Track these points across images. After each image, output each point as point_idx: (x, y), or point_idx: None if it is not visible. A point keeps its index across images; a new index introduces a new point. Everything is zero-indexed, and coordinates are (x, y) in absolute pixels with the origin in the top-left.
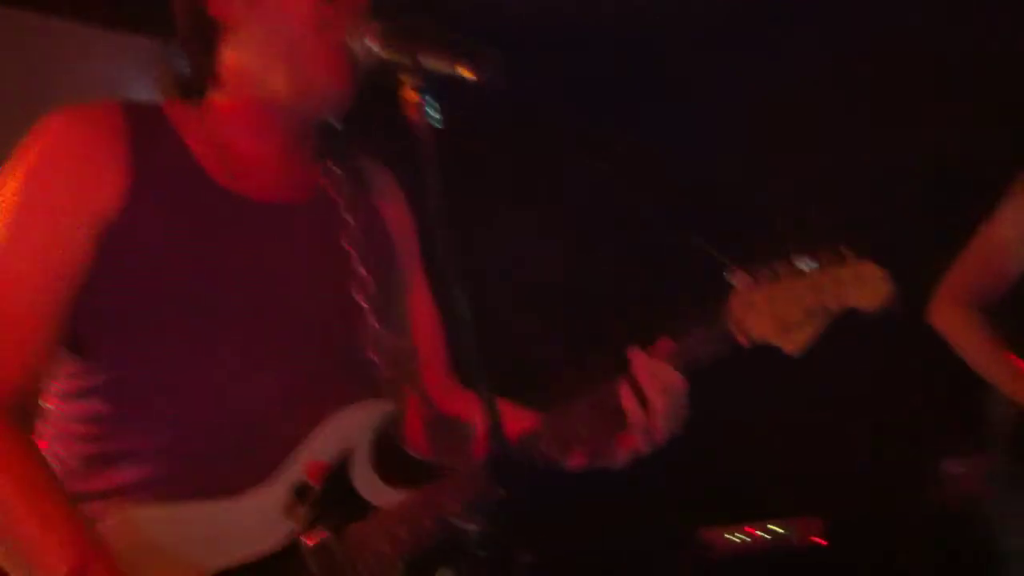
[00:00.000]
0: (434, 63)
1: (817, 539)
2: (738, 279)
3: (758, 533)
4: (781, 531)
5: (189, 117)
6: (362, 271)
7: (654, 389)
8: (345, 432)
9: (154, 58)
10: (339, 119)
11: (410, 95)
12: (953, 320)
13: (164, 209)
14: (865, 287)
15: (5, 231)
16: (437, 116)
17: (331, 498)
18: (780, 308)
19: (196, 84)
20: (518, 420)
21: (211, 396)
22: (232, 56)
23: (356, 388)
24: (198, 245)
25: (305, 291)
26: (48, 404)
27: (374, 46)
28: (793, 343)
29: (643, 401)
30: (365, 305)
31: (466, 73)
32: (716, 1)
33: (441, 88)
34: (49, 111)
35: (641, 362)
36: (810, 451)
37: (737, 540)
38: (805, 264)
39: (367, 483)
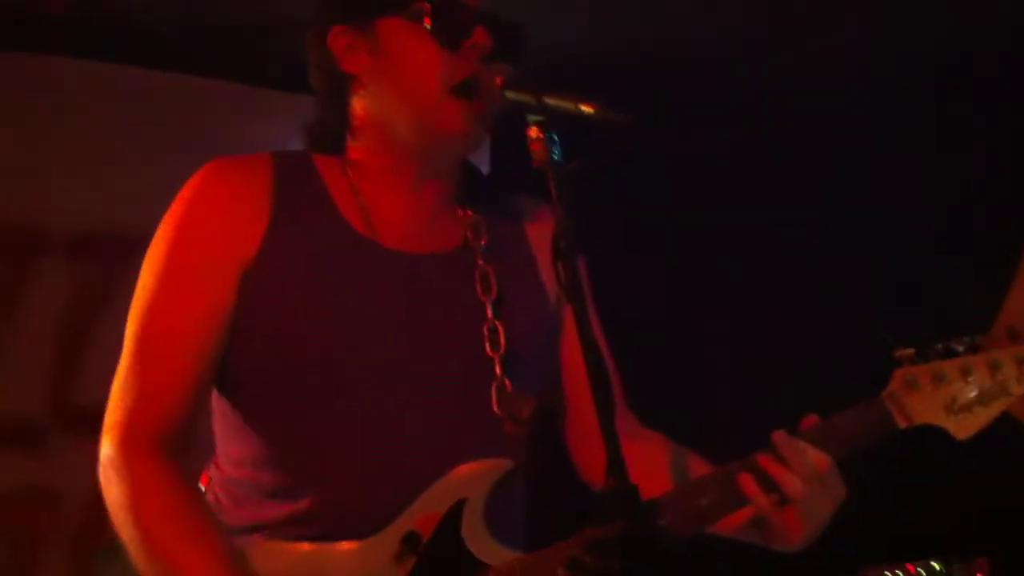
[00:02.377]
0: (559, 102)
1: None
2: (903, 355)
3: (919, 571)
4: (942, 570)
5: (333, 168)
6: (493, 321)
7: (790, 473)
8: (460, 486)
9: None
10: (483, 164)
11: (535, 133)
12: None
13: (299, 254)
14: None
15: (161, 270)
16: (558, 152)
17: (439, 551)
18: (949, 388)
19: (334, 136)
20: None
21: (342, 442)
22: (362, 107)
23: (482, 442)
24: (329, 290)
25: (436, 342)
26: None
27: (501, 87)
28: (963, 428)
29: (770, 486)
30: (492, 354)
31: (590, 111)
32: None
33: (566, 127)
34: None
35: (779, 441)
36: (975, 484)
37: None
38: (983, 342)
39: (477, 539)
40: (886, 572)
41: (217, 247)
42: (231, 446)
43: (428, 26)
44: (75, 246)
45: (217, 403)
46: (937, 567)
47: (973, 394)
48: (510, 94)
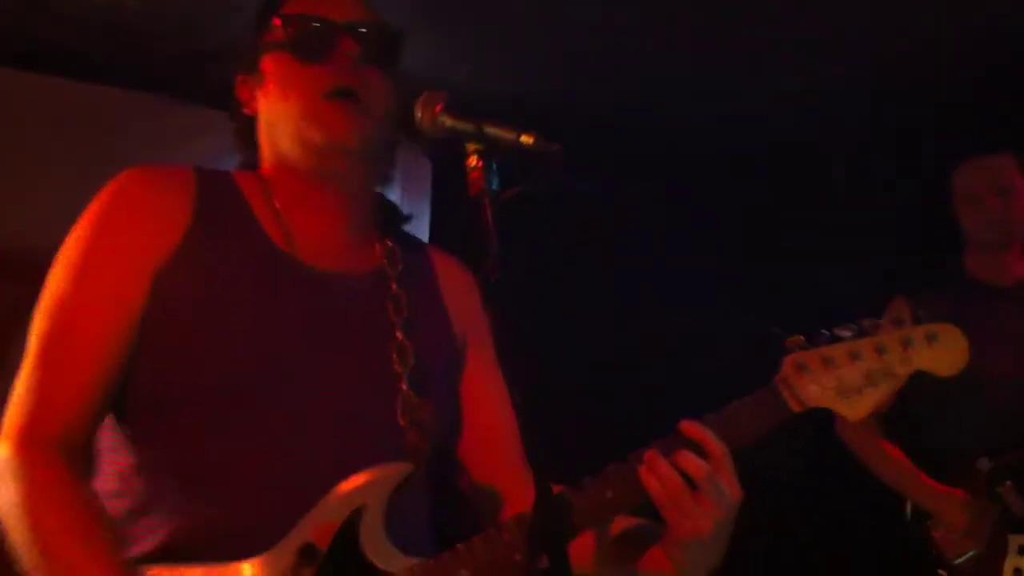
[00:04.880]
0: (498, 131)
1: None
2: (792, 342)
3: None
4: None
5: (253, 185)
6: (402, 340)
7: (694, 456)
8: (358, 494)
9: None
10: (424, 191)
11: (473, 162)
12: (852, 432)
13: (215, 262)
14: (940, 348)
15: (72, 269)
16: (497, 184)
17: (337, 561)
18: (838, 371)
19: (249, 162)
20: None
21: (238, 456)
22: (262, 138)
23: (386, 453)
24: (241, 300)
25: (344, 357)
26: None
27: (441, 114)
28: (853, 410)
29: (661, 477)
30: (399, 370)
31: (528, 141)
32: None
33: (503, 157)
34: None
35: (687, 427)
36: None
37: None
38: (869, 326)
39: (377, 546)
40: None
41: (132, 249)
42: (119, 459)
43: (289, 48)
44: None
45: (110, 419)
46: None
47: (862, 376)
48: (450, 122)
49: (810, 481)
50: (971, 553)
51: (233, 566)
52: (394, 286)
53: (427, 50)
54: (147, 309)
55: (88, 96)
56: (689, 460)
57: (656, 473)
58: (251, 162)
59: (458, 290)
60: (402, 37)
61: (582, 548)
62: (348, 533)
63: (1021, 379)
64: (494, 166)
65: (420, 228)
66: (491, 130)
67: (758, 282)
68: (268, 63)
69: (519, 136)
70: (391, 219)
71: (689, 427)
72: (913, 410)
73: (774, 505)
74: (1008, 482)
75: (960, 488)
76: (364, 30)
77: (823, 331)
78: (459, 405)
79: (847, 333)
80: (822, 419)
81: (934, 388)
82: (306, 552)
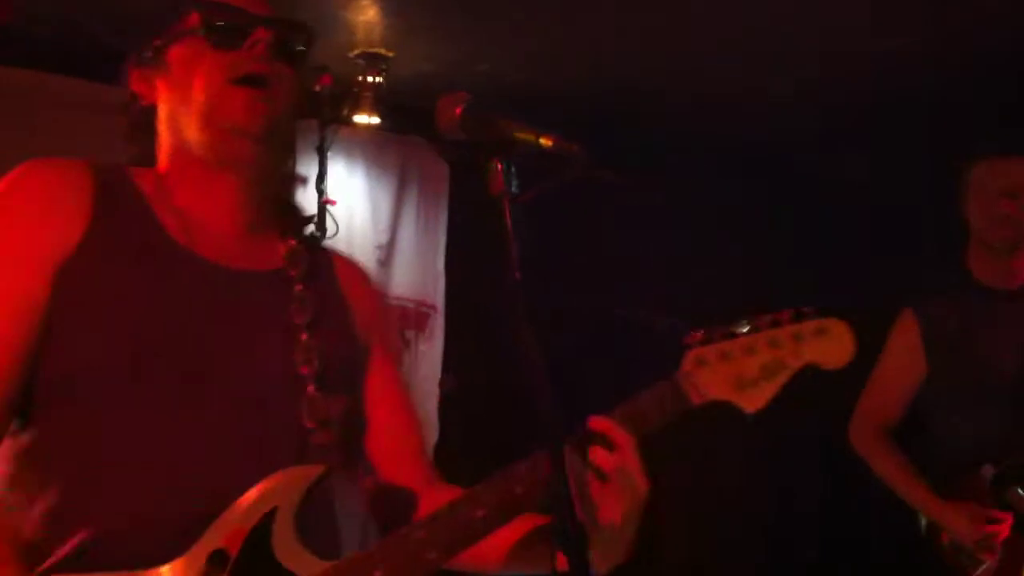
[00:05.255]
0: (519, 134)
1: None
2: (691, 338)
3: None
4: None
5: (150, 180)
6: (307, 340)
7: (602, 450)
8: (268, 497)
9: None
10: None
11: (492, 164)
12: (865, 442)
13: (116, 256)
14: (828, 342)
15: None
16: (515, 183)
17: (249, 566)
18: (735, 365)
19: (145, 157)
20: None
21: (137, 458)
22: (162, 128)
23: (289, 455)
24: (143, 295)
25: (245, 356)
26: None
27: (461, 117)
28: (750, 401)
29: (581, 468)
30: (305, 371)
31: (547, 143)
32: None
33: (523, 159)
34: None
35: (596, 421)
36: None
37: None
38: (764, 322)
39: (288, 550)
40: None
41: (33, 242)
42: (18, 466)
43: (202, 32)
44: None
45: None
46: None
47: (758, 369)
48: (472, 123)
49: (827, 495)
50: (985, 565)
51: (143, 574)
52: (298, 286)
53: (447, 44)
54: (50, 306)
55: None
56: (597, 452)
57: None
58: (146, 155)
59: (359, 294)
60: (314, 35)
61: (490, 547)
62: (259, 537)
63: None
64: (513, 167)
65: (438, 230)
66: (512, 132)
67: (758, 283)
68: (176, 52)
69: (539, 138)
70: (294, 219)
71: (596, 421)
72: (922, 418)
73: (788, 520)
74: (1016, 487)
75: (968, 497)
76: (277, 23)
77: (721, 328)
78: (363, 406)
79: (744, 328)
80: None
81: (942, 395)
82: (217, 558)
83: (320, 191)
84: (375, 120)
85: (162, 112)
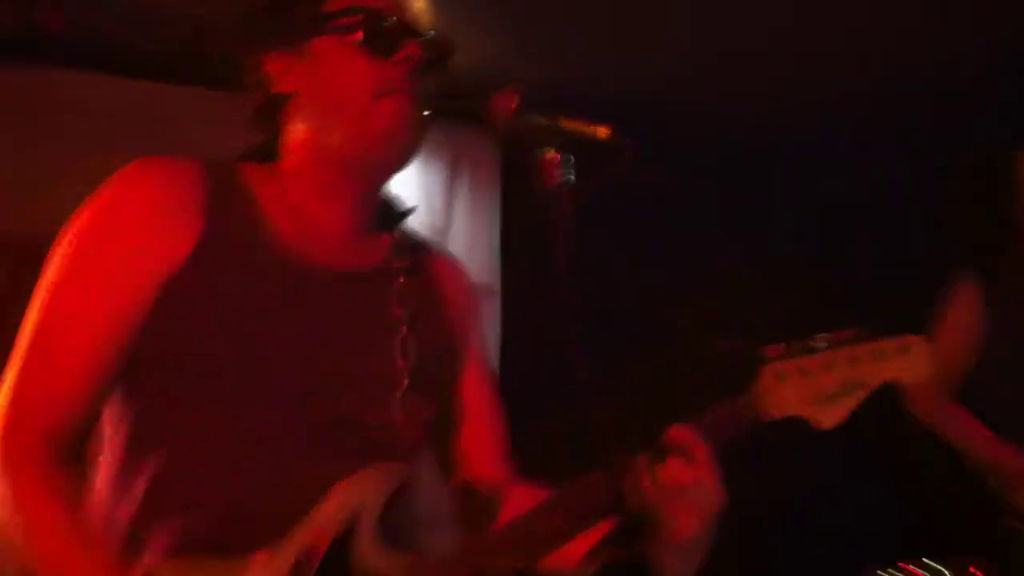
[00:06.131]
0: (573, 125)
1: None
2: (769, 352)
3: (916, 571)
4: (939, 569)
5: (264, 178)
6: (407, 333)
7: (684, 462)
8: (355, 494)
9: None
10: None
11: (549, 155)
12: (930, 410)
13: (228, 264)
14: (908, 360)
15: (70, 264)
16: (573, 175)
17: (335, 562)
18: (813, 381)
19: (268, 151)
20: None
21: (239, 450)
22: (298, 125)
23: (380, 450)
24: (254, 302)
25: (348, 354)
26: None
27: (516, 112)
28: (826, 418)
29: (653, 482)
30: (401, 365)
31: (603, 134)
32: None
33: (579, 150)
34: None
35: (677, 433)
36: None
37: None
38: (843, 338)
39: (374, 548)
40: (882, 573)
41: (143, 250)
42: (124, 456)
43: (359, 39)
44: None
45: (112, 409)
46: (934, 566)
47: (836, 386)
48: (525, 117)
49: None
50: None
51: (231, 564)
52: (400, 279)
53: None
54: (154, 311)
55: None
56: (675, 464)
57: (647, 478)
58: (269, 145)
59: (454, 288)
60: (452, 51)
61: (568, 550)
62: (346, 534)
63: None
64: (571, 159)
65: (492, 214)
66: (567, 124)
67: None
68: (324, 45)
69: (594, 130)
70: (396, 213)
71: (676, 432)
72: (982, 382)
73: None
74: None
75: None
76: (429, 37)
77: (800, 342)
78: (454, 404)
79: (822, 344)
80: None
81: (1007, 358)
82: (305, 553)
83: None
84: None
85: (301, 105)
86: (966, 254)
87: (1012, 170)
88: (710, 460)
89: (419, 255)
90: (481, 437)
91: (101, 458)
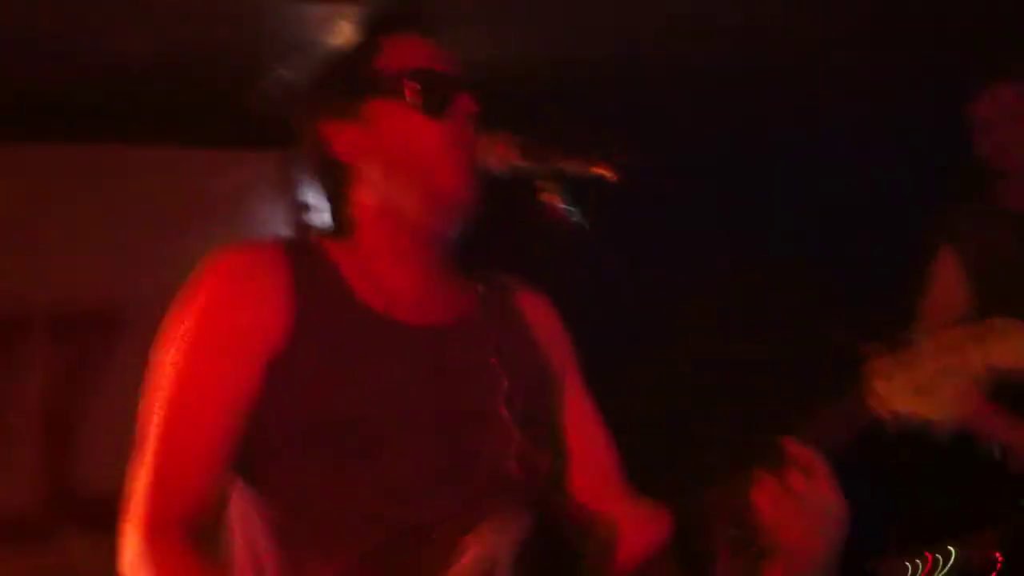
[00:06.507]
0: (572, 167)
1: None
2: (871, 350)
3: (936, 557)
4: (959, 554)
5: (343, 251)
6: (507, 383)
7: (803, 476)
8: (488, 548)
9: (277, 171)
10: (474, 235)
11: (551, 199)
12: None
13: (325, 340)
14: (1011, 342)
15: (183, 366)
16: (576, 214)
17: None
18: (915, 371)
19: (340, 223)
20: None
21: (362, 517)
22: (365, 193)
23: (499, 502)
24: (357, 372)
25: (456, 411)
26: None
27: (511, 156)
28: (937, 410)
29: (774, 499)
30: (507, 414)
31: (604, 173)
32: None
33: (581, 191)
34: (212, 246)
35: (791, 447)
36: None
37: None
38: (940, 326)
39: None
40: (904, 562)
41: (243, 340)
42: (259, 544)
43: (411, 100)
44: (51, 328)
45: (240, 503)
46: (954, 551)
47: (941, 375)
48: (519, 162)
49: None
50: None
51: None
52: (491, 331)
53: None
54: (264, 395)
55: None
56: (797, 479)
57: (769, 495)
58: (340, 215)
59: (542, 322)
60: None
61: None
62: None
63: None
64: (570, 196)
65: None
66: (563, 165)
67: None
68: (381, 110)
69: (590, 166)
70: (468, 256)
71: (792, 445)
72: None
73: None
74: None
75: None
76: (473, 88)
77: (897, 336)
78: (563, 441)
79: (920, 335)
80: None
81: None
82: None
83: None
84: None
85: (369, 174)
86: (939, 216)
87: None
88: (829, 475)
89: (503, 297)
90: (592, 471)
91: (234, 542)
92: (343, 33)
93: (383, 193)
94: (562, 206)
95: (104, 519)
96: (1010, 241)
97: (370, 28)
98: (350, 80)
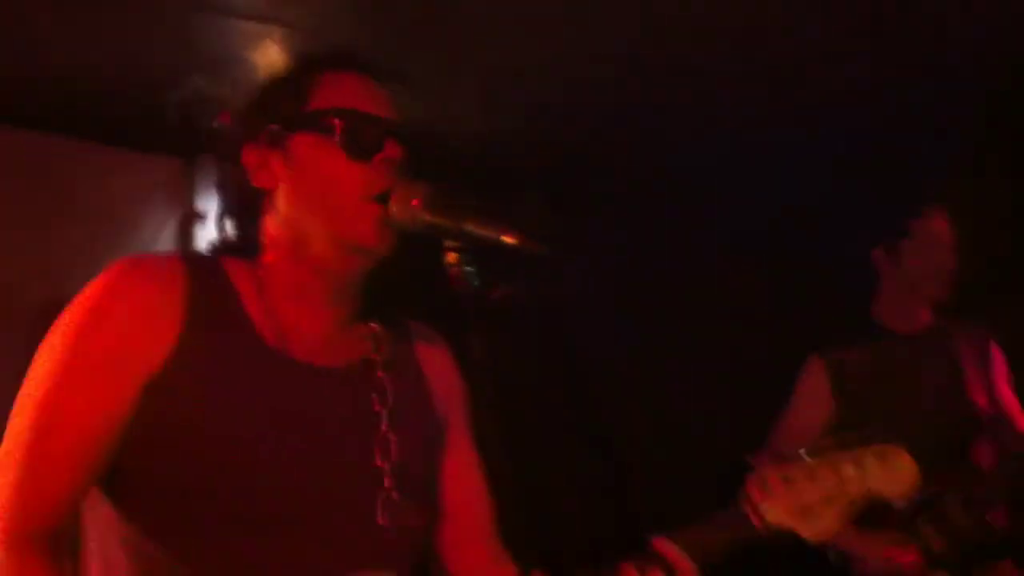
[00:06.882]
0: (479, 229)
1: None
2: (756, 460)
3: None
4: None
5: (244, 273)
6: (387, 432)
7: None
8: None
9: (173, 177)
10: (383, 279)
11: (452, 258)
12: None
13: (208, 365)
14: (890, 472)
15: (58, 368)
16: (477, 279)
17: None
18: (797, 491)
19: (245, 247)
20: None
21: (229, 557)
22: (275, 221)
23: (367, 554)
24: (234, 402)
25: (331, 456)
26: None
27: (419, 209)
28: (812, 530)
29: None
30: (383, 465)
31: (511, 240)
32: None
33: (483, 252)
34: (70, 236)
35: (660, 545)
36: None
37: None
38: (826, 445)
39: None
40: None
41: (123, 352)
42: (115, 559)
43: (339, 141)
44: None
45: (103, 515)
46: None
47: (820, 496)
48: (429, 217)
49: None
50: None
51: None
52: (379, 374)
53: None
54: (136, 413)
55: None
56: None
57: None
58: (248, 238)
59: (437, 369)
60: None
61: None
62: None
63: (938, 423)
64: (473, 267)
65: None
66: (472, 227)
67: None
68: (302, 142)
69: (501, 235)
70: (372, 301)
71: (661, 544)
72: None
73: None
74: (924, 518)
75: (882, 529)
76: (402, 134)
77: (782, 452)
78: (439, 495)
79: (806, 453)
80: None
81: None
82: None
83: None
84: None
85: (280, 203)
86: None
87: (912, 226)
88: (693, 573)
89: (401, 344)
90: (464, 525)
91: (89, 553)
92: (268, 52)
93: (293, 224)
94: (463, 269)
95: None
96: (885, 360)
97: (310, 61)
98: (281, 109)
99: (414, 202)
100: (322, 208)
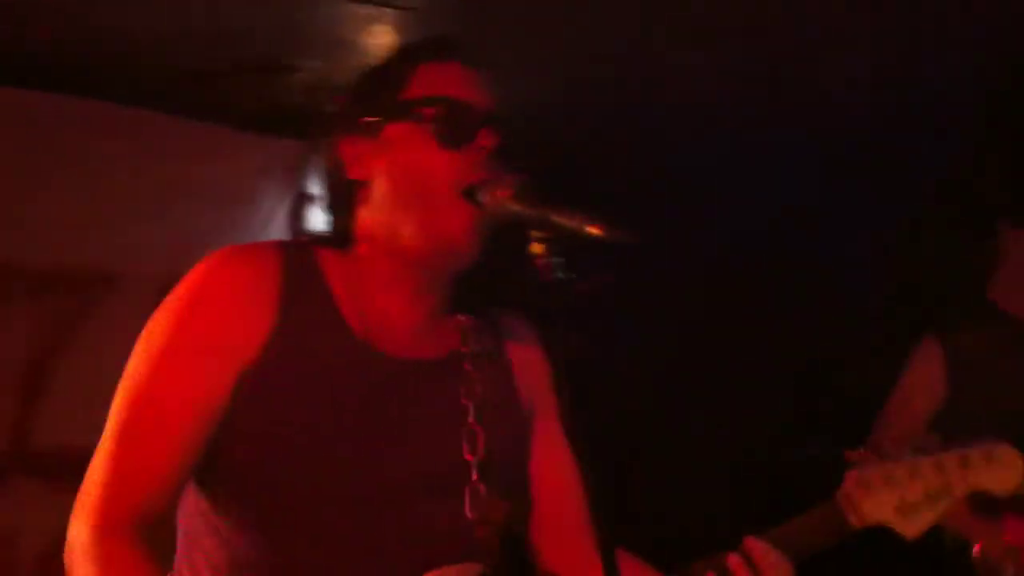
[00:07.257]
0: (565, 220)
1: None
2: (856, 457)
3: None
4: None
5: (338, 264)
6: (474, 425)
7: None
8: None
9: (289, 160)
10: (471, 270)
11: (538, 248)
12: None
13: (298, 357)
14: (997, 469)
15: (156, 354)
16: (563, 271)
17: None
18: (899, 489)
19: (339, 238)
20: None
21: (322, 547)
22: (370, 213)
23: (454, 547)
24: (324, 395)
25: (418, 449)
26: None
27: (507, 199)
28: (911, 527)
29: None
30: (470, 459)
31: (596, 232)
32: None
33: (570, 244)
34: (188, 213)
35: (751, 545)
36: None
37: None
38: (929, 444)
39: None
40: None
41: (220, 342)
42: (206, 548)
43: (433, 129)
44: (41, 281)
45: (193, 503)
46: None
47: (922, 494)
48: (516, 207)
49: None
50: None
51: None
52: (467, 367)
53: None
54: (231, 402)
55: (99, 113)
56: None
57: None
58: (344, 228)
59: (524, 357)
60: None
61: None
62: None
63: None
64: (560, 258)
65: None
66: (558, 219)
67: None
68: (401, 134)
69: (586, 226)
70: (462, 292)
71: (753, 544)
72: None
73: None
74: None
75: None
76: (499, 123)
77: (883, 448)
78: (529, 488)
79: (908, 451)
80: None
81: (961, 424)
82: None
83: None
84: None
85: (375, 194)
86: (935, 316)
87: (997, 243)
88: (788, 570)
89: (489, 336)
90: (556, 524)
91: (178, 547)
92: (379, 35)
93: (386, 216)
94: (548, 259)
95: (57, 471)
96: (1000, 344)
97: (406, 52)
98: (376, 98)
99: (504, 192)
100: (414, 201)
